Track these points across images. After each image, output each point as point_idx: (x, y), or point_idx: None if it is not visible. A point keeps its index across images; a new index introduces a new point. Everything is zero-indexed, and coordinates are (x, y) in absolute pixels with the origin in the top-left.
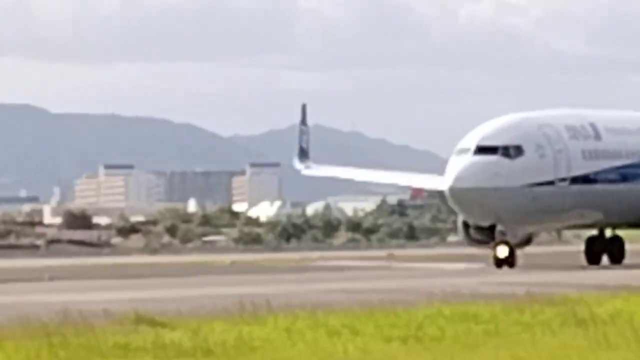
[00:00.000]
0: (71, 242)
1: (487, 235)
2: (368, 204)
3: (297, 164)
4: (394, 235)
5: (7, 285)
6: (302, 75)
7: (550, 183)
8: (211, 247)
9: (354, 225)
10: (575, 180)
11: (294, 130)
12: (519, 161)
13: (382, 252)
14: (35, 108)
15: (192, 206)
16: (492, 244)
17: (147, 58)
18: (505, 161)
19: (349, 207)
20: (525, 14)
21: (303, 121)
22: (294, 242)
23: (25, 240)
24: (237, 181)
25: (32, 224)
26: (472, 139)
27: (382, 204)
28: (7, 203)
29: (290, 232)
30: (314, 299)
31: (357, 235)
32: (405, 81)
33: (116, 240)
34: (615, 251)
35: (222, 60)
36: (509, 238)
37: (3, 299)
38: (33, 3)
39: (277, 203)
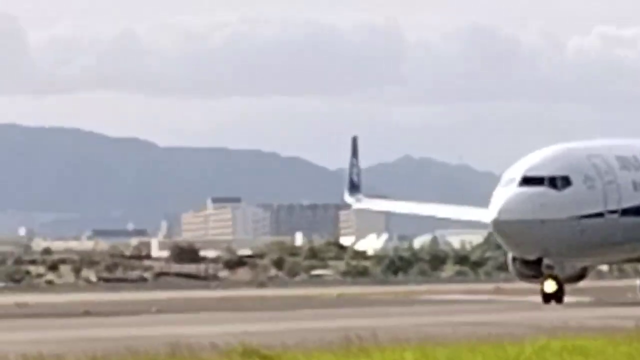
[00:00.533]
0: (179, 275)
1: (534, 269)
2: (476, 237)
3: (348, 198)
4: (501, 268)
5: (116, 318)
6: (410, 109)
7: (600, 215)
8: (318, 281)
9: (461, 258)
10: (626, 212)
11: (403, 164)
12: (567, 192)
13: (489, 286)
14: (143, 142)
15: (299, 239)
16: (541, 278)
17: (257, 92)
18: (552, 192)
19: (456, 240)
20: (633, 46)
21: (354, 154)
22: (401, 275)
23: (133, 274)
24: (344, 214)
25: (140, 257)
26: (518, 170)
27: (490, 237)
28: (115, 236)
29: (398, 265)
30: (421, 332)
31: (465, 268)
32: (512, 114)
33: (223, 273)
34: None
35: (330, 94)
36: (556, 272)
37: (112, 331)
38: (143, 37)
39: (384, 236)
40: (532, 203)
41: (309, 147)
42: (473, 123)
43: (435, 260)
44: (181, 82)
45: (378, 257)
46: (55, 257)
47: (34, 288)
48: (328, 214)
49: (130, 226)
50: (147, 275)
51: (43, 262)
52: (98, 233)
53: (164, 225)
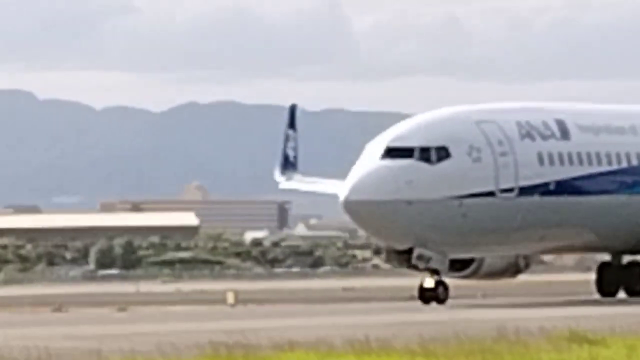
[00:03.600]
0: None
1: (405, 261)
2: None
3: (277, 176)
4: None
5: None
6: None
7: (489, 194)
8: None
9: None
10: (526, 190)
11: None
12: (443, 166)
13: None
14: None
15: None
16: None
17: (577, 75)
18: (424, 166)
19: None
20: None
21: (291, 124)
22: None
23: None
24: None
25: None
26: (383, 139)
27: None
28: None
29: None
30: None
31: None
32: None
33: (549, 257)
34: (634, 281)
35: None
36: (435, 265)
37: (438, 315)
38: (465, 23)
39: None
40: (395, 180)
41: None
42: None
43: None
44: (501, 66)
45: None
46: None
47: (359, 272)
48: None
49: None
50: None
51: (369, 247)
52: None
53: None
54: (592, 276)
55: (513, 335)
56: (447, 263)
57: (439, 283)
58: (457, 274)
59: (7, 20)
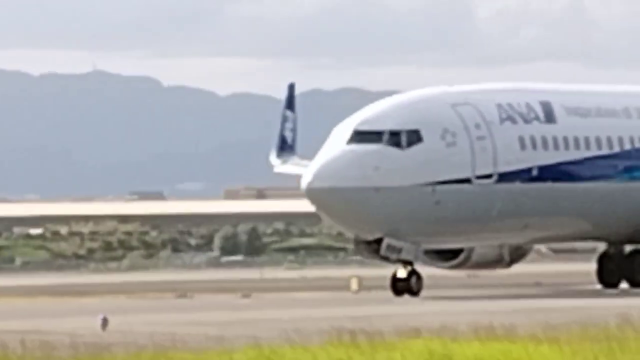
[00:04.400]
0: None
1: (375, 251)
2: None
3: (273, 159)
4: None
5: (566, 288)
6: None
7: (465, 181)
8: None
9: None
10: (506, 177)
11: None
12: (414, 151)
13: None
14: None
15: None
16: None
17: None
18: (393, 151)
19: None
20: None
21: (289, 105)
22: None
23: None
24: None
25: None
26: (351, 122)
27: None
28: None
29: None
30: None
31: None
32: None
33: None
34: (637, 271)
35: None
36: (407, 256)
37: (559, 302)
38: (590, 8)
39: None
40: (362, 165)
41: None
42: None
43: None
44: (627, 55)
45: None
46: None
47: None
48: None
49: None
50: None
51: None
52: None
53: None
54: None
55: (638, 322)
56: (420, 254)
57: (412, 273)
58: (446, 264)
59: (134, 9)
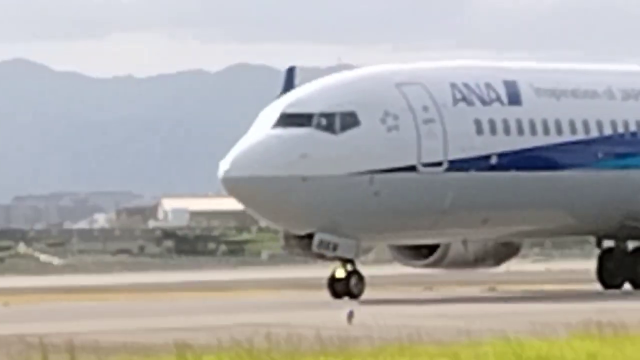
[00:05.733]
0: None
1: (307, 247)
2: None
3: None
4: None
5: None
6: None
7: (410, 169)
8: None
9: None
10: (458, 164)
11: None
12: (348, 136)
13: None
14: None
15: None
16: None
17: None
18: (323, 136)
19: None
20: None
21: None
22: None
23: None
24: None
25: None
26: (279, 104)
27: None
28: None
29: None
30: None
31: None
32: None
33: None
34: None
35: None
36: (344, 253)
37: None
38: None
39: None
40: (286, 152)
41: None
42: None
43: None
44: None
45: None
46: None
47: None
48: None
49: None
50: None
51: None
52: None
53: None
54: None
55: None
56: (359, 250)
57: (352, 273)
58: (419, 262)
59: (371, 3)
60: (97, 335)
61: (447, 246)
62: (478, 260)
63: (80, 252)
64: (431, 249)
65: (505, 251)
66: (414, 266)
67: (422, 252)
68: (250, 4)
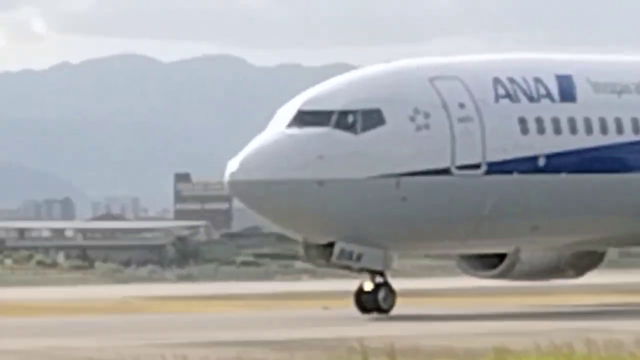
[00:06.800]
0: None
1: (329, 256)
2: None
3: None
4: None
5: None
6: None
7: (443, 172)
8: None
9: None
10: (498, 167)
11: None
12: (371, 136)
13: None
14: None
15: None
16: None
17: None
18: (343, 136)
19: None
20: None
21: None
22: None
23: None
24: None
25: None
26: (296, 101)
27: None
28: None
29: None
30: None
31: None
32: None
33: None
34: None
35: None
36: (370, 264)
37: None
38: None
39: None
40: (302, 153)
41: None
42: None
43: None
44: None
45: None
46: None
47: None
48: None
49: None
50: None
51: None
52: None
53: None
54: None
55: None
56: (389, 261)
57: (381, 286)
58: (486, 273)
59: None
60: (417, 339)
61: (516, 255)
62: (553, 271)
63: None
64: (501, 257)
65: (585, 261)
66: (480, 277)
67: (491, 262)
68: None
